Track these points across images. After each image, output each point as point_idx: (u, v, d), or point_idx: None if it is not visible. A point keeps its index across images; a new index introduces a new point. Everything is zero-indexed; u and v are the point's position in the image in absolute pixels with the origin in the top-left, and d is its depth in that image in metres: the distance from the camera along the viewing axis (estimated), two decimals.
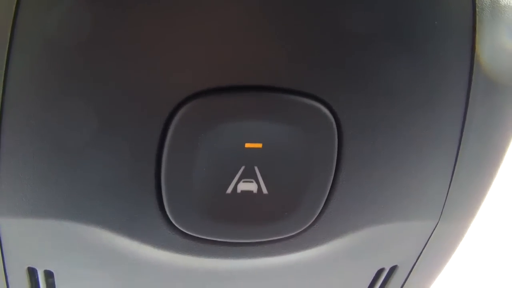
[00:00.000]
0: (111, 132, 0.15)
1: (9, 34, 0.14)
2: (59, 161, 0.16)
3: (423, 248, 0.20)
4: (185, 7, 0.14)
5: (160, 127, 0.15)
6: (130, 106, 0.15)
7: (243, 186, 0.16)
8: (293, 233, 0.17)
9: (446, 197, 0.18)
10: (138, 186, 0.16)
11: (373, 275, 0.20)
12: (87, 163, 0.16)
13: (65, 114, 0.15)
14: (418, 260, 0.20)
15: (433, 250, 0.20)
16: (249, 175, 0.16)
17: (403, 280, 0.21)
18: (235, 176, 0.16)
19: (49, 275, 0.19)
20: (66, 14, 0.14)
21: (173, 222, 0.16)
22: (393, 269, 0.20)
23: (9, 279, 0.19)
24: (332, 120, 0.15)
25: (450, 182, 0.18)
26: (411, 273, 0.20)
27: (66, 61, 0.14)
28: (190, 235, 0.17)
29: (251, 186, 0.16)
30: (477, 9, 0.16)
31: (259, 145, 0.15)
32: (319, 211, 0.16)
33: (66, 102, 0.15)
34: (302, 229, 0.17)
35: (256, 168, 0.16)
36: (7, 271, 0.19)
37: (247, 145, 0.15)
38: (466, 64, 0.16)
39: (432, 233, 0.19)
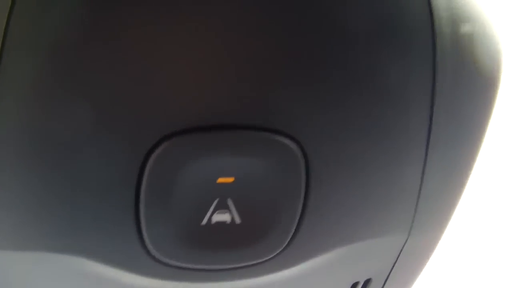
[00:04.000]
0: (93, 169, 0.16)
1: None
2: (45, 197, 0.16)
3: (396, 261, 0.20)
4: (155, 49, 0.14)
5: (138, 164, 0.16)
6: (109, 144, 0.15)
7: (218, 217, 0.17)
8: (266, 258, 0.18)
9: (415, 212, 0.19)
10: (119, 219, 0.17)
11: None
12: (71, 199, 0.16)
13: (47, 151, 0.15)
14: (392, 272, 0.21)
15: (405, 262, 0.21)
16: (222, 206, 0.16)
17: None
18: (209, 208, 0.16)
19: None
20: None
21: (153, 252, 0.17)
22: (367, 281, 0.21)
23: None
24: (299, 153, 0.16)
25: (418, 198, 0.18)
26: (386, 284, 0.21)
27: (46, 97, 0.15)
28: (169, 263, 0.17)
29: (225, 217, 0.17)
30: (437, 40, 0.16)
31: (231, 179, 0.16)
32: (290, 237, 0.17)
33: (46, 140, 0.15)
34: (275, 254, 0.17)
35: (229, 200, 0.16)
36: None
37: (220, 179, 0.16)
38: (427, 90, 0.17)
39: (403, 246, 0.20)
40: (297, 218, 0.17)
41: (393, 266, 0.21)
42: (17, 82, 0.15)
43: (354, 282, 0.21)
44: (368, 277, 0.21)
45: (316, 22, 0.15)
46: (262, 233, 0.17)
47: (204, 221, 0.17)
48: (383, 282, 0.21)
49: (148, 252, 0.17)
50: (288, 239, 0.17)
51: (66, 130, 0.15)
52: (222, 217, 0.17)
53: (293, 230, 0.17)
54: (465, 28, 0.16)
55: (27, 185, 0.16)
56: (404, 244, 0.20)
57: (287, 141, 0.16)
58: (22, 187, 0.16)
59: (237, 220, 0.17)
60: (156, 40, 0.15)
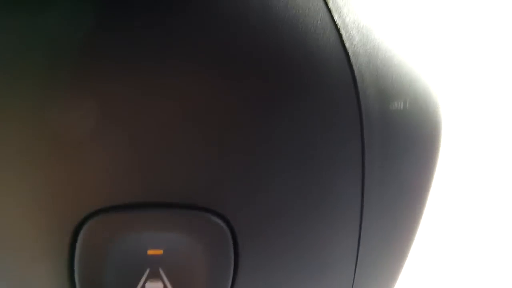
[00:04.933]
0: (28, 242, 0.16)
1: None
2: None
3: None
4: (80, 131, 0.15)
5: (69, 238, 0.16)
6: (40, 220, 0.16)
7: (150, 286, 0.17)
8: None
9: (353, 282, 0.19)
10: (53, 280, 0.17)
11: None
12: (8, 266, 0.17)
13: None
14: None
15: None
16: (154, 276, 0.17)
17: None
18: (141, 277, 0.17)
19: None
20: None
21: None
22: None
23: None
24: (226, 228, 0.16)
25: (355, 269, 0.19)
26: None
27: None
28: None
29: (158, 285, 0.17)
30: (364, 118, 0.16)
31: (160, 252, 0.17)
32: None
33: None
34: None
35: (160, 270, 0.17)
36: None
37: (150, 251, 0.17)
38: (357, 167, 0.17)
39: None
40: (228, 286, 0.17)
41: None
42: None
43: None
44: None
45: (250, 104, 0.16)
46: None
47: None
48: None
49: None
50: None
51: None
52: (155, 285, 0.17)
53: None
54: (394, 104, 0.17)
55: None
56: None
57: (214, 218, 0.16)
58: None
59: (169, 287, 0.17)
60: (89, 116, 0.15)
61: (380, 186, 0.17)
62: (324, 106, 0.16)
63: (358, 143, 0.16)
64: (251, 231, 0.17)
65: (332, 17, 0.16)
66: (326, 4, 0.16)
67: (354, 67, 0.16)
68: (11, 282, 0.17)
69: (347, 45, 0.16)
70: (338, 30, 0.16)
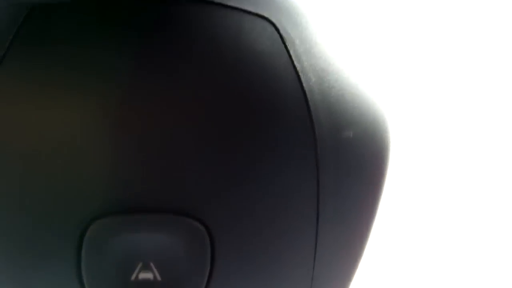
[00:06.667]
0: (35, 244, 0.20)
1: None
2: None
3: None
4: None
5: (75, 241, 0.20)
6: (48, 220, 0.19)
7: (143, 275, 0.21)
8: None
9: (312, 280, 0.22)
10: (64, 279, 0.21)
11: None
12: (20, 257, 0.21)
13: None
14: None
15: None
16: (146, 268, 0.21)
17: None
18: (135, 268, 0.21)
19: None
20: None
21: None
22: None
23: None
24: (205, 232, 0.20)
25: (313, 268, 0.22)
26: None
27: None
28: None
29: (149, 275, 0.21)
30: (318, 145, 0.20)
31: (151, 248, 0.20)
32: None
33: None
34: None
35: (151, 263, 0.21)
36: None
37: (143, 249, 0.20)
38: (313, 189, 0.20)
39: None
40: (205, 282, 0.21)
41: None
42: None
43: None
44: None
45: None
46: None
47: (133, 278, 0.21)
48: None
49: None
50: None
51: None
52: (146, 275, 0.21)
53: None
54: (345, 133, 0.20)
55: None
56: None
57: (195, 223, 0.20)
58: None
59: (158, 277, 0.21)
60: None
61: (334, 201, 0.21)
62: (284, 134, 0.19)
63: (313, 165, 0.20)
64: (225, 236, 0.20)
65: (292, 62, 0.20)
66: (288, 51, 0.19)
67: (310, 103, 0.19)
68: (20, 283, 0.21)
69: (304, 85, 0.19)
70: (297, 72, 0.19)
